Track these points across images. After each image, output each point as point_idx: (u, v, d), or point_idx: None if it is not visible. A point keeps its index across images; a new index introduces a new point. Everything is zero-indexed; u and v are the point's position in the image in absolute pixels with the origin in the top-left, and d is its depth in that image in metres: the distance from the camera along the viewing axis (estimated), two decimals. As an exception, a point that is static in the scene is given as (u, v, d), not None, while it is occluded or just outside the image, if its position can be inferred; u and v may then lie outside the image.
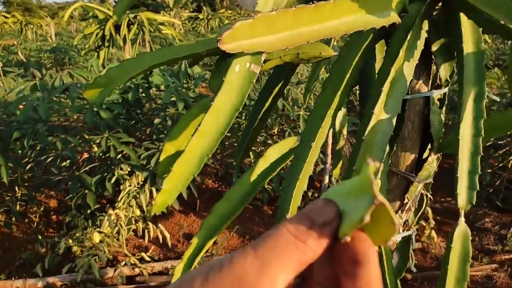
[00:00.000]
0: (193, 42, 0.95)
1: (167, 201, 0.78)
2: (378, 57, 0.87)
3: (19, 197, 2.62)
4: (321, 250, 0.26)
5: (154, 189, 2.44)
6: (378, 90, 0.74)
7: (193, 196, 2.62)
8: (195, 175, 0.79)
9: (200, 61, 1.13)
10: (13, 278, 2.09)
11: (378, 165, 0.25)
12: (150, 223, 2.32)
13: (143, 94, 2.68)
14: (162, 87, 2.71)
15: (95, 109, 2.32)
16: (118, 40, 5.70)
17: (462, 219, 0.83)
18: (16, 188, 2.66)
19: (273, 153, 0.88)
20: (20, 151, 2.51)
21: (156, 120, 2.53)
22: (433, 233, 2.52)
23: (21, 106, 2.56)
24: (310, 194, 2.80)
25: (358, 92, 0.91)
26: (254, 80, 0.78)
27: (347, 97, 0.85)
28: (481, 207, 2.94)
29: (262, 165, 0.87)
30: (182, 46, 0.93)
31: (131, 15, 5.77)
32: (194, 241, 0.82)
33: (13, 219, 2.61)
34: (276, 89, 0.98)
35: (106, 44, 5.77)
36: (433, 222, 2.58)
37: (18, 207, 2.61)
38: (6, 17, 13.61)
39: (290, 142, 0.89)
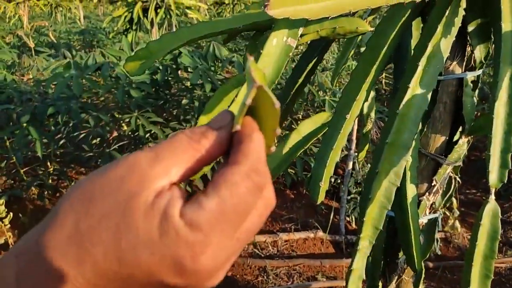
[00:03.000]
0: (229, 17, 0.97)
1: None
2: (414, 34, 0.87)
3: (51, 171, 2.73)
4: (215, 149, 0.28)
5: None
6: (414, 65, 0.75)
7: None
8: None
9: (236, 36, 1.16)
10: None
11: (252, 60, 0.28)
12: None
13: (172, 75, 2.73)
14: (190, 69, 2.75)
15: (125, 88, 2.38)
16: (146, 24, 5.77)
17: (492, 197, 0.83)
18: (48, 163, 2.77)
19: (306, 127, 0.90)
20: (53, 127, 2.60)
21: (184, 101, 2.58)
22: (457, 223, 2.50)
23: (52, 85, 2.65)
24: (333, 180, 2.81)
25: (393, 69, 0.92)
26: (291, 54, 0.80)
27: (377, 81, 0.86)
28: (508, 200, 2.89)
29: (295, 138, 0.89)
30: (219, 21, 0.96)
31: (159, -1, 5.81)
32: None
33: (46, 192, 2.72)
34: (310, 65, 1.00)
35: (134, 27, 5.85)
36: (458, 212, 2.56)
37: (50, 181, 2.72)
38: (37, 0, 13.88)
39: (323, 117, 0.91)
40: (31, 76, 3.91)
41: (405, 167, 0.80)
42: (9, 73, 3.69)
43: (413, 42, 0.86)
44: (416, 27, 0.87)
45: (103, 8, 19.36)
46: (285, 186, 2.89)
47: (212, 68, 2.89)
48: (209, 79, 2.57)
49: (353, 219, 2.52)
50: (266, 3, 0.54)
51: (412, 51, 0.79)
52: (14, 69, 4.05)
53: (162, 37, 0.93)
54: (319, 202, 0.69)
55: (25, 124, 2.34)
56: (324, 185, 0.70)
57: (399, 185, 0.71)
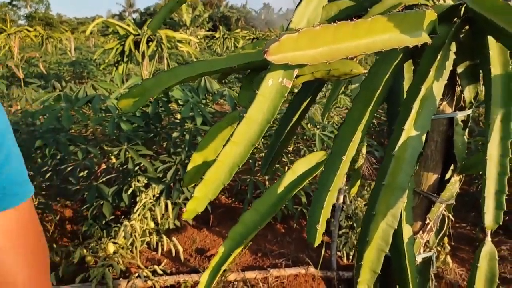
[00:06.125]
0: (225, 56, 0.99)
1: (197, 209, 0.80)
2: (406, 76, 0.89)
3: (36, 205, 2.65)
4: None
5: (169, 202, 2.46)
6: (408, 107, 0.76)
7: (207, 211, 2.63)
8: (225, 184, 0.81)
9: (230, 75, 1.17)
10: (27, 285, 2.11)
11: None
12: (164, 236, 2.33)
13: (162, 108, 2.73)
14: (181, 102, 2.76)
15: (116, 121, 2.37)
16: (137, 56, 5.84)
17: (488, 239, 0.83)
18: (33, 196, 2.70)
19: (300, 166, 0.89)
20: (40, 160, 2.56)
21: (175, 134, 2.57)
22: (448, 258, 2.48)
23: (41, 117, 2.62)
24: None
25: (386, 109, 0.93)
26: (286, 95, 0.81)
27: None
28: (497, 234, 2.89)
29: (290, 177, 0.88)
30: (215, 60, 0.97)
31: (151, 32, 5.92)
32: (221, 249, 0.83)
33: (29, 226, 2.64)
34: (304, 104, 1.00)
35: (125, 59, 5.92)
36: (448, 247, 2.55)
37: (34, 215, 2.64)
38: (28, 31, 14.00)
39: (317, 156, 0.91)
40: (19, 107, 3.88)
41: (401, 208, 0.80)
42: (-4, 104, 3.65)
43: (406, 84, 0.87)
44: (408, 69, 0.89)
45: (95, 39, 19.60)
46: (275, 220, 2.85)
47: (203, 101, 2.91)
48: (200, 112, 2.58)
49: (345, 254, 2.49)
50: (266, 50, 0.54)
51: (405, 93, 0.80)
52: (2, 100, 4.02)
53: (159, 74, 0.93)
54: (316, 245, 0.68)
55: (11, 157, 2.29)
56: (321, 228, 0.68)
57: (396, 227, 0.71)
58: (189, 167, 0.99)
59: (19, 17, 45.35)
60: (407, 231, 0.86)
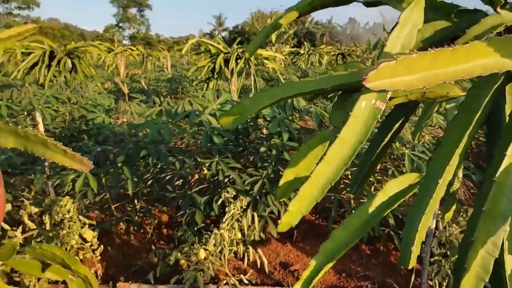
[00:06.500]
0: (317, 78, 1.04)
1: (291, 222, 0.86)
2: (508, 99, 0.86)
3: (138, 209, 2.94)
4: None
5: (255, 215, 2.55)
6: (511, 132, 0.73)
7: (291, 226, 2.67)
8: (318, 200, 0.85)
9: (321, 95, 1.21)
10: (130, 282, 2.34)
11: None
12: (250, 247, 2.42)
13: (251, 123, 2.86)
14: (268, 118, 2.87)
15: (208, 134, 2.55)
16: (226, 73, 6.18)
17: None
18: (135, 201, 2.99)
19: (392, 187, 0.90)
20: (143, 168, 2.84)
21: (262, 149, 2.68)
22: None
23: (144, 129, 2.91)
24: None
25: (485, 131, 0.90)
26: (379, 116, 0.83)
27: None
28: None
29: (381, 198, 0.90)
30: (309, 81, 1.02)
31: (239, 50, 6.23)
32: (312, 263, 0.87)
33: (132, 228, 2.93)
34: (396, 125, 1.01)
35: (215, 76, 6.31)
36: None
37: (136, 218, 2.93)
38: (132, 50, 15.54)
39: (409, 178, 0.91)
40: (125, 120, 4.34)
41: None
42: (107, 116, 4.14)
43: (508, 108, 0.84)
44: (510, 92, 0.86)
45: (188, 57, 21.05)
46: (361, 240, 2.79)
47: (290, 118, 2.98)
48: (287, 128, 2.66)
49: (437, 284, 2.34)
50: (364, 77, 0.58)
51: (508, 117, 0.77)
52: (111, 113, 4.53)
53: (256, 95, 1.01)
54: (410, 267, 0.68)
55: (120, 164, 2.59)
56: (416, 250, 0.69)
57: (497, 256, 0.68)
58: (281, 182, 1.05)
59: (124, 38, 50.58)
60: (510, 261, 0.81)
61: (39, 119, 2.48)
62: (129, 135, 3.67)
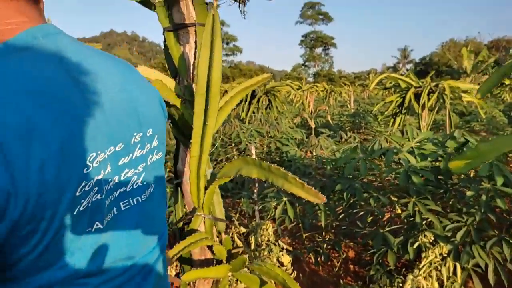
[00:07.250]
0: None
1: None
2: None
3: (327, 240, 3.02)
4: None
5: (458, 265, 2.30)
6: None
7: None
8: None
9: None
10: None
11: None
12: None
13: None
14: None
15: (407, 173, 2.46)
16: (415, 108, 5.89)
17: None
18: (323, 233, 3.08)
19: None
20: (335, 202, 2.92)
21: (468, 193, 2.42)
22: None
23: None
24: None
25: None
26: None
27: None
28: None
29: None
30: None
31: (433, 84, 5.89)
32: None
33: (319, 258, 3.02)
34: None
35: (403, 111, 6.07)
36: None
37: (325, 249, 3.00)
38: (316, 86, 16.42)
39: None
40: (314, 153, 4.58)
41: None
42: (298, 150, 4.45)
43: None
44: None
45: (368, 92, 20.94)
46: None
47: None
48: (501, 171, 2.34)
49: None
50: None
51: None
52: (302, 146, 4.85)
53: (495, 139, 0.95)
54: None
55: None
56: None
57: None
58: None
59: (308, 75, 53.87)
60: None
61: (252, 151, 2.87)
62: (316, 168, 3.86)
